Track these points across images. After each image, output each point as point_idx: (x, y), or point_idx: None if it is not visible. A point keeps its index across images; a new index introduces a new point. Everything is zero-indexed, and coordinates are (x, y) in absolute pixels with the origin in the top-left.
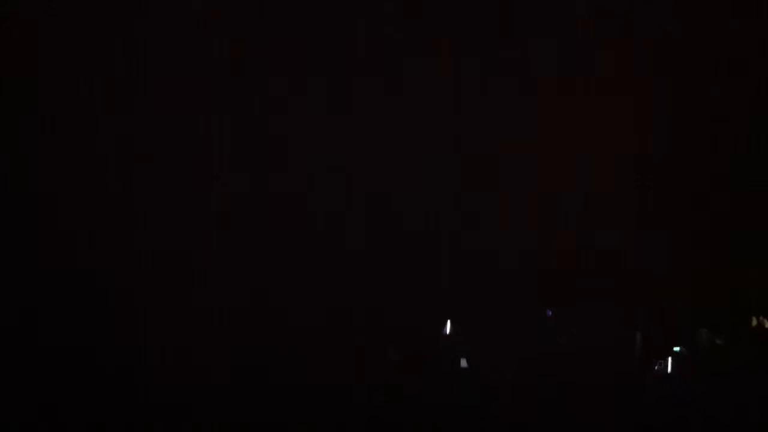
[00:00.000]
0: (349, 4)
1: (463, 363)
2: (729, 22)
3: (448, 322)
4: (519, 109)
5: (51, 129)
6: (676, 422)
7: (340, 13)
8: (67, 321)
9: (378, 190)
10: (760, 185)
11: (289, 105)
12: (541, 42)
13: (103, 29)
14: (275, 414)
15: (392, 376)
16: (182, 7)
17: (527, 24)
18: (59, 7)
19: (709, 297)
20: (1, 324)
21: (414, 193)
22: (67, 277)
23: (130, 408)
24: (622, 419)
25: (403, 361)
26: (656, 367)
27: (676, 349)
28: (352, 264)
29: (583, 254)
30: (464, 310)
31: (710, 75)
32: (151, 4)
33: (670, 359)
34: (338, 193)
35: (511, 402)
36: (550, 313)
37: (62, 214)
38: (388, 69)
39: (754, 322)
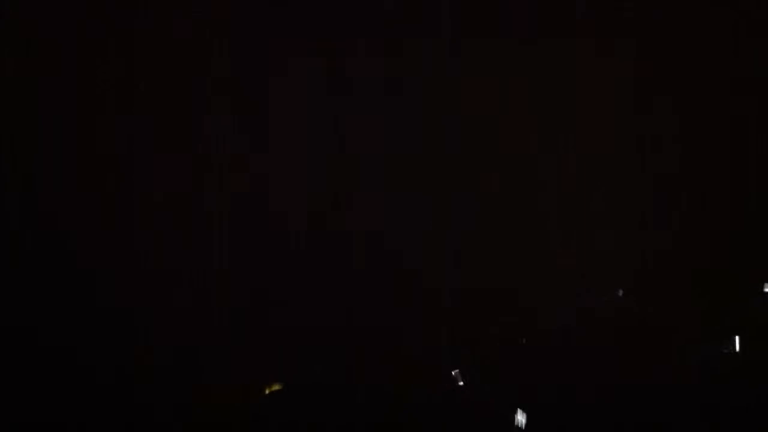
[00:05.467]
0: (347, 4)
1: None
2: (730, 21)
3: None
4: (519, 107)
5: (51, 129)
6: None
7: (338, 13)
8: (67, 321)
9: (377, 189)
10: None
11: (289, 104)
12: (541, 41)
13: (104, 29)
14: (276, 414)
15: (392, 376)
16: (182, 7)
17: (527, 23)
18: (59, 7)
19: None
20: (1, 324)
21: (414, 193)
22: (66, 277)
23: (129, 408)
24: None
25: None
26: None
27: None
28: (352, 265)
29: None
30: (465, 311)
31: (712, 75)
32: (151, 4)
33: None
34: (339, 192)
35: (512, 402)
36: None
37: (62, 214)
38: (388, 68)
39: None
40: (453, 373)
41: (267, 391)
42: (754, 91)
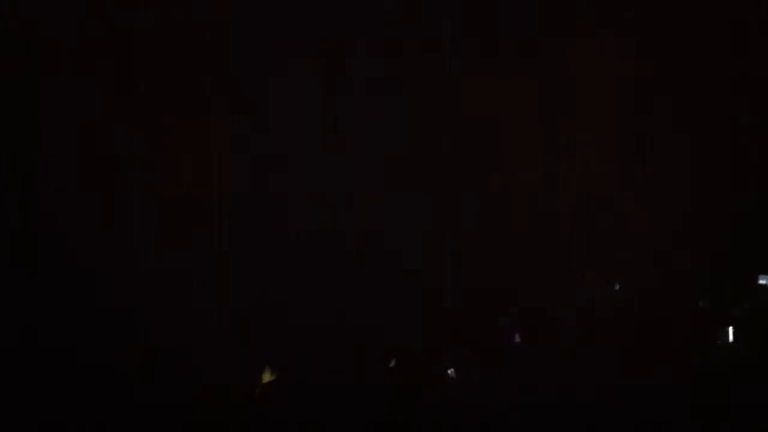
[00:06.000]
0: (347, 4)
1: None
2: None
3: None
4: (519, 107)
5: (51, 129)
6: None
7: (338, 13)
8: (66, 321)
9: (377, 189)
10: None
11: (289, 104)
12: (541, 42)
13: (104, 29)
14: (276, 414)
15: (393, 377)
16: (182, 7)
17: (527, 23)
18: (59, 7)
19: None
20: (1, 324)
21: (414, 193)
22: (66, 277)
23: (129, 408)
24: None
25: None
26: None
27: None
28: (352, 264)
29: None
30: (465, 312)
31: (712, 75)
32: (151, 4)
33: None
34: (339, 192)
35: (514, 401)
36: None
37: (62, 214)
38: (388, 68)
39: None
40: (449, 372)
41: (264, 381)
42: (754, 91)
